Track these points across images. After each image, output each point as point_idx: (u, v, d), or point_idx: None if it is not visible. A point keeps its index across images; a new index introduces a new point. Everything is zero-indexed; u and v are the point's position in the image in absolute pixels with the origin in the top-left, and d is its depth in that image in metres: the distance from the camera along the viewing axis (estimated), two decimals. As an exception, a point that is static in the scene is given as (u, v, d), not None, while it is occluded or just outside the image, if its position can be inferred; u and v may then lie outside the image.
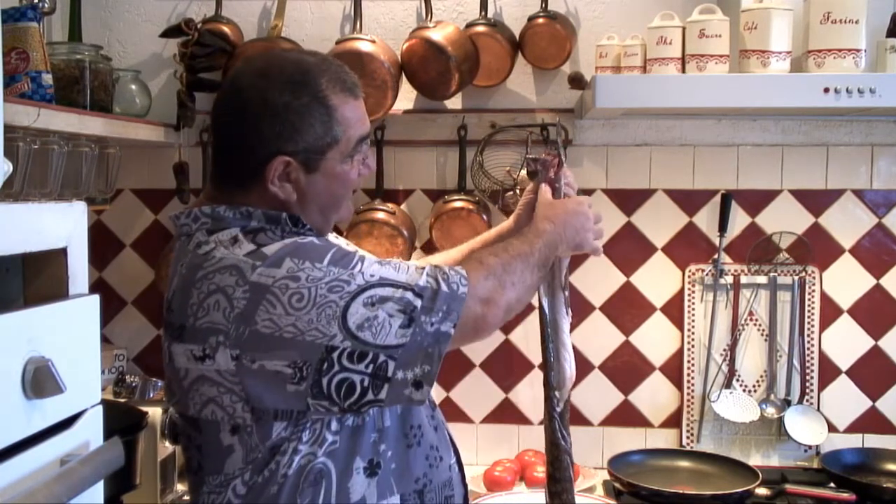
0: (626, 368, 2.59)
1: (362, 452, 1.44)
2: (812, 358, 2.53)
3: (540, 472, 2.35)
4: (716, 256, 2.53)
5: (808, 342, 2.53)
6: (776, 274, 2.53)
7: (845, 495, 2.28)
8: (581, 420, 2.58)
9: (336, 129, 1.47)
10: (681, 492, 2.27)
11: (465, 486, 1.64)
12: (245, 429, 1.41)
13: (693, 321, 2.56)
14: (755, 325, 2.55)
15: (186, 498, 2.12)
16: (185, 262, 1.44)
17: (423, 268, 1.44)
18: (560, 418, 1.67)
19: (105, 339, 2.58)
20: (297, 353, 1.35)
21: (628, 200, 2.56)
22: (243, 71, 1.54)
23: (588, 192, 2.53)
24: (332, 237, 1.68)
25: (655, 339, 2.58)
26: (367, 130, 1.54)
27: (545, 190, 1.72)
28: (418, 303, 1.38)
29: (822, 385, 2.54)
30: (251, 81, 1.48)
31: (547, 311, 1.69)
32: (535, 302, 1.71)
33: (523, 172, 2.31)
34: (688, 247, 2.56)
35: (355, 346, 1.35)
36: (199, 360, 1.40)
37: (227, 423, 1.41)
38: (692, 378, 2.56)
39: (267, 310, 1.35)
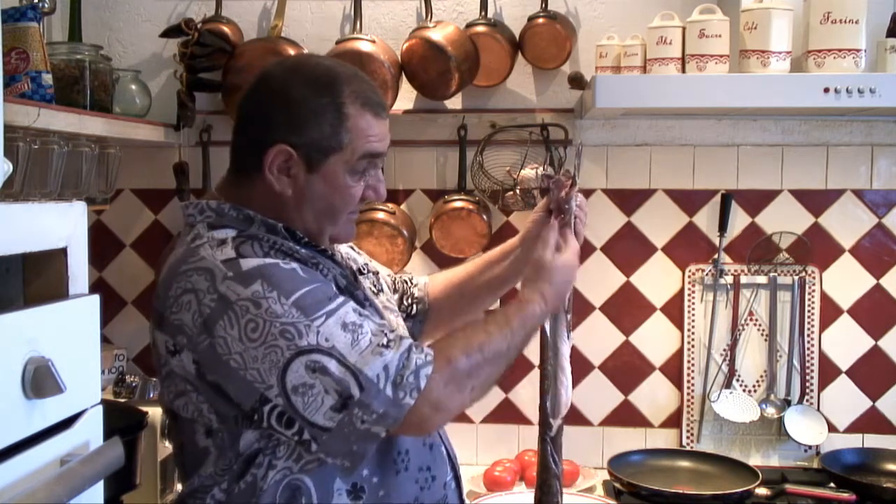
0: (626, 368, 2.59)
1: (343, 475, 1.41)
2: (812, 358, 2.53)
3: (540, 472, 2.35)
4: (716, 256, 2.53)
5: (808, 342, 2.53)
6: (776, 274, 2.53)
7: (845, 495, 2.28)
8: (581, 420, 2.58)
9: (343, 135, 1.45)
10: (681, 492, 2.27)
11: (461, 501, 1.61)
12: (218, 433, 1.41)
13: (693, 321, 2.56)
14: (755, 325, 2.55)
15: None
16: (177, 252, 1.46)
17: (387, 346, 1.35)
18: (552, 443, 1.65)
19: (105, 339, 2.58)
20: (235, 389, 1.35)
21: (628, 200, 2.56)
22: (277, 63, 1.59)
23: (588, 192, 2.54)
24: (346, 249, 1.68)
25: (655, 339, 2.58)
26: (376, 148, 1.49)
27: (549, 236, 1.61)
28: (356, 394, 1.31)
29: (822, 385, 2.54)
30: (280, 73, 1.51)
31: (548, 334, 1.66)
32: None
33: (523, 172, 2.32)
34: (688, 247, 2.56)
35: (286, 407, 1.32)
36: (170, 353, 1.41)
37: (201, 423, 1.42)
38: (692, 378, 2.56)
39: (225, 327, 1.34)
